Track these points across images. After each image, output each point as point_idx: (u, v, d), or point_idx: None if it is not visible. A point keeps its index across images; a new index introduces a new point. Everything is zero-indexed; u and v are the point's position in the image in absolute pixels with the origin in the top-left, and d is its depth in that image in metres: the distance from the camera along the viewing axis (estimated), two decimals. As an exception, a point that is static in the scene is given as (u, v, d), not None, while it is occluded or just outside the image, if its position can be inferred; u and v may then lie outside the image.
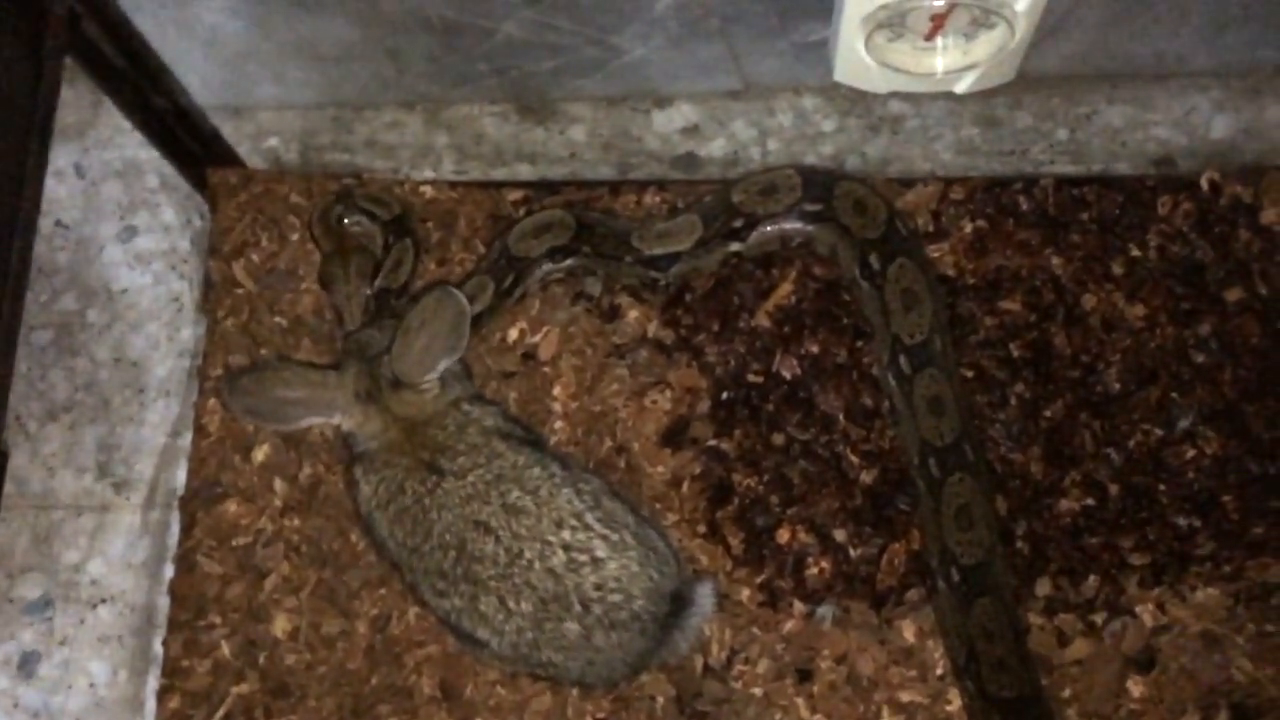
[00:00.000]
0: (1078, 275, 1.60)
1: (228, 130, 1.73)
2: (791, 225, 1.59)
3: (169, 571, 1.60)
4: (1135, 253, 1.61)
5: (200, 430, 1.63)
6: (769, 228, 1.59)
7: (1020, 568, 1.50)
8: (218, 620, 1.56)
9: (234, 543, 1.58)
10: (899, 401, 1.53)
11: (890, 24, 1.38)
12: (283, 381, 1.46)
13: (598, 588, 1.38)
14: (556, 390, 1.61)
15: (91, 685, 1.59)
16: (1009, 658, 1.40)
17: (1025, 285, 1.60)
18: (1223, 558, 1.49)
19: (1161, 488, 1.52)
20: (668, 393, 1.60)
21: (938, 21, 1.38)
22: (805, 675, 1.49)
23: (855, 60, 1.44)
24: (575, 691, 1.49)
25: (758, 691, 1.49)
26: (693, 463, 1.57)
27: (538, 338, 1.63)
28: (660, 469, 1.57)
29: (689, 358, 1.61)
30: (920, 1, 1.33)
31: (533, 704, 1.50)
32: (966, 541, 1.44)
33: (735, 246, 1.60)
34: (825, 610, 1.51)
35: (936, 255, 1.61)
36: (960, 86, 1.49)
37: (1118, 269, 1.60)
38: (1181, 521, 1.51)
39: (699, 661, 1.50)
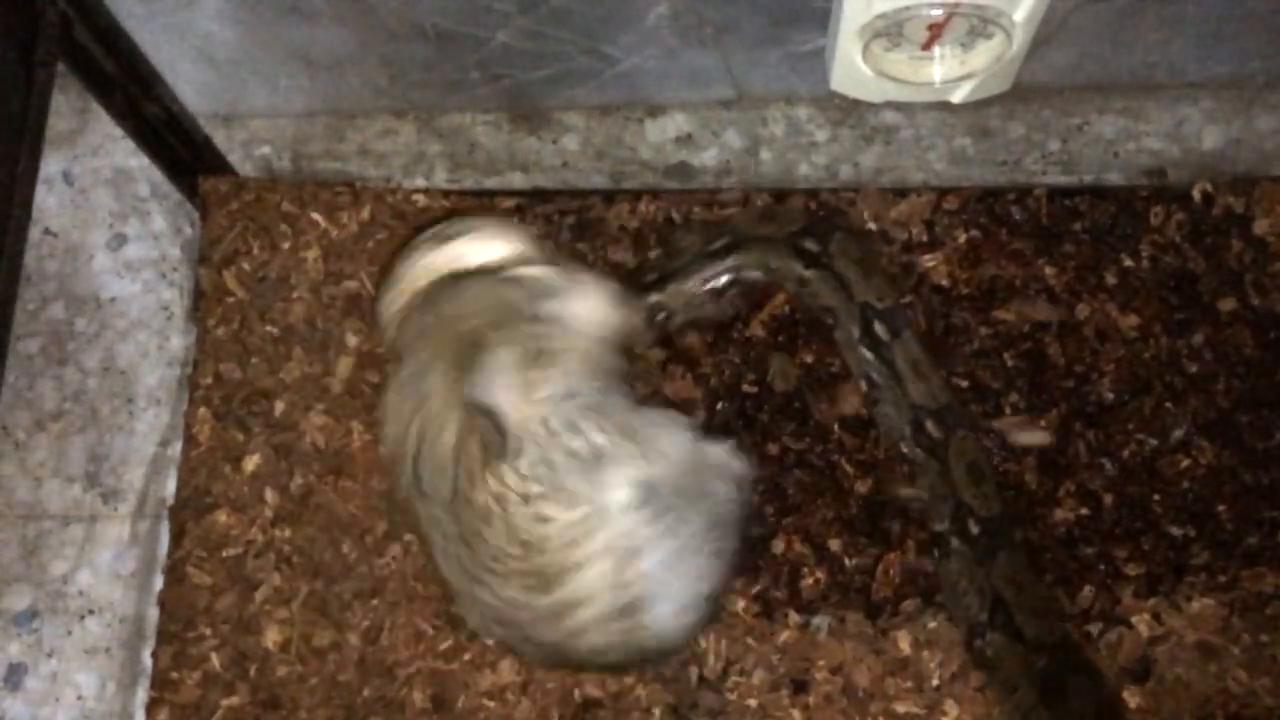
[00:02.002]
0: (1071, 285, 1.60)
1: (219, 138, 1.72)
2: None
3: (158, 582, 1.58)
4: (1128, 263, 1.61)
5: (190, 440, 1.61)
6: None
7: (1015, 577, 1.50)
8: (208, 632, 1.54)
9: (224, 553, 1.57)
10: (879, 374, 1.52)
11: (887, 33, 1.38)
12: None
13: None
14: (550, 400, 1.60)
15: (79, 697, 1.57)
16: (1041, 604, 1.40)
17: (1019, 295, 1.60)
18: (1218, 568, 1.49)
19: (1156, 498, 1.52)
20: (662, 404, 1.59)
21: (935, 31, 1.38)
22: (800, 686, 1.48)
23: (852, 69, 1.44)
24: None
25: (753, 703, 1.48)
26: (687, 473, 1.56)
27: (531, 347, 1.62)
28: (654, 479, 1.56)
29: (683, 369, 1.60)
30: (918, 10, 1.33)
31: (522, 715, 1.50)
32: (981, 495, 1.44)
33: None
34: (820, 621, 1.50)
35: (930, 265, 1.61)
36: (957, 96, 1.49)
37: (1111, 279, 1.60)
38: (1176, 532, 1.51)
39: (694, 672, 1.49)
